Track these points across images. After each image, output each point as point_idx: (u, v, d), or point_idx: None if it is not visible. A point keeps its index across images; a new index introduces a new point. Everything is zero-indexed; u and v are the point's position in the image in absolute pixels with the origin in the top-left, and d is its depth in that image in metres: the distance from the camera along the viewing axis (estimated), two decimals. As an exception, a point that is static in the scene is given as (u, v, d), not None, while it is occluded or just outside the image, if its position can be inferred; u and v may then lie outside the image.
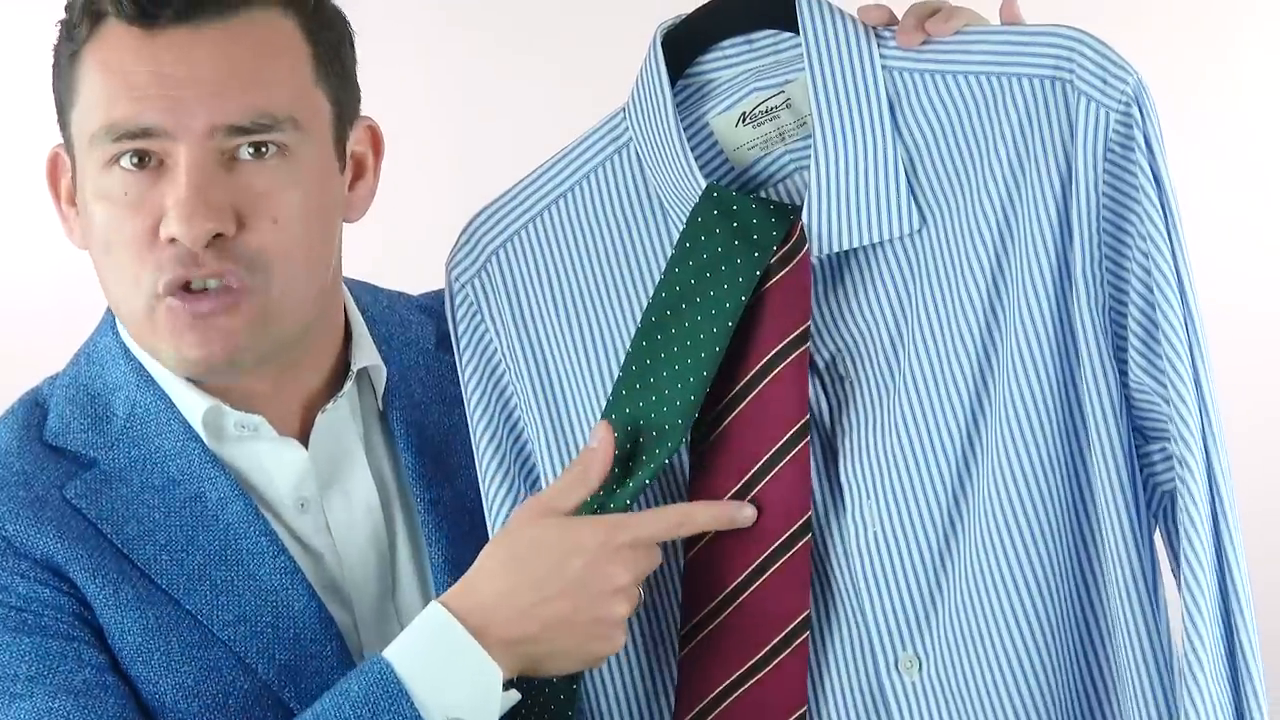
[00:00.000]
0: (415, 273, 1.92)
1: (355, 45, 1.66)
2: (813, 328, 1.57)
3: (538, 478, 1.66)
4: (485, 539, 1.59)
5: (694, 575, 1.58)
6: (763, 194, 1.62)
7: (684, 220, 1.59)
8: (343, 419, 1.68)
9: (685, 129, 1.61)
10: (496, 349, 1.68)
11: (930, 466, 1.53)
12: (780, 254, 1.54)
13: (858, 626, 1.57)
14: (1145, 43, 2.02)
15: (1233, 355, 2.47)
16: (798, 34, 1.57)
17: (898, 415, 1.54)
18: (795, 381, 1.54)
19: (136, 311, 1.58)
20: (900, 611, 1.55)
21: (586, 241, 1.66)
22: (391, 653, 1.51)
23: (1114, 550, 1.48)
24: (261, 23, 1.57)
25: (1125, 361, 1.48)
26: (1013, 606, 1.51)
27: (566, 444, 1.65)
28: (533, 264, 1.67)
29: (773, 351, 1.54)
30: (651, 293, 1.59)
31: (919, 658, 1.55)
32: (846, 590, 1.57)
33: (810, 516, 1.54)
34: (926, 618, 1.55)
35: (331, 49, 1.62)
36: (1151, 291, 1.46)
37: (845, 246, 1.55)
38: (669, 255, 1.60)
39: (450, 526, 1.68)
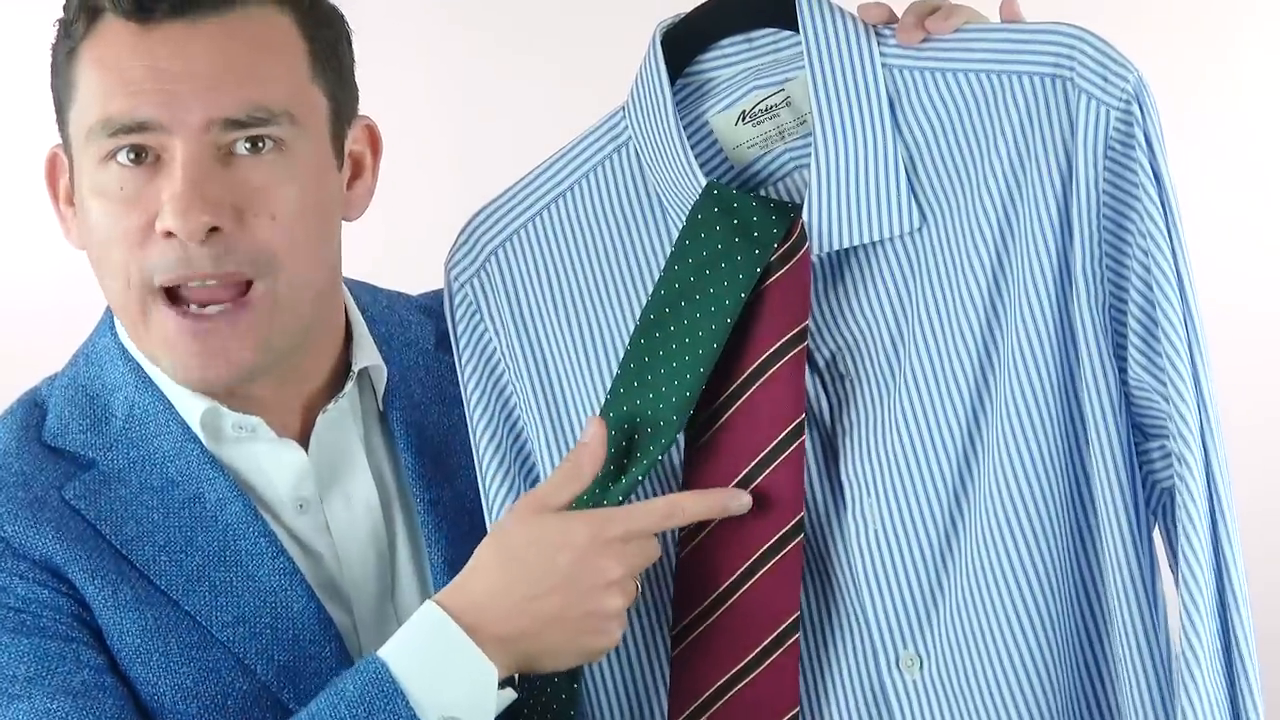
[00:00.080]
0: (415, 273, 1.92)
1: (353, 44, 1.66)
2: (813, 326, 1.57)
3: (537, 477, 1.66)
4: (485, 539, 1.59)
5: (686, 574, 1.57)
6: (762, 192, 1.62)
7: (683, 219, 1.59)
8: (343, 419, 1.68)
9: (685, 127, 1.61)
10: (496, 348, 1.68)
11: (931, 464, 1.53)
12: (780, 252, 1.54)
13: (859, 625, 1.56)
14: (1145, 43, 2.02)
15: (1233, 355, 2.47)
16: (797, 33, 1.57)
17: (898, 413, 1.54)
18: (792, 380, 1.54)
19: (132, 310, 1.57)
20: (901, 609, 1.55)
21: (586, 240, 1.66)
22: (386, 652, 1.51)
23: (1113, 547, 1.48)
24: (257, 18, 1.57)
25: (1125, 359, 1.48)
26: (1013, 604, 1.51)
27: (566, 442, 1.65)
28: (532, 263, 1.67)
29: (770, 349, 1.54)
30: (650, 291, 1.59)
31: (920, 656, 1.55)
32: (847, 588, 1.57)
33: (802, 517, 1.54)
34: (927, 616, 1.54)
35: (328, 46, 1.61)
36: (1151, 289, 1.46)
37: (845, 244, 1.55)
38: (668, 254, 1.59)
39: (450, 527, 1.68)
